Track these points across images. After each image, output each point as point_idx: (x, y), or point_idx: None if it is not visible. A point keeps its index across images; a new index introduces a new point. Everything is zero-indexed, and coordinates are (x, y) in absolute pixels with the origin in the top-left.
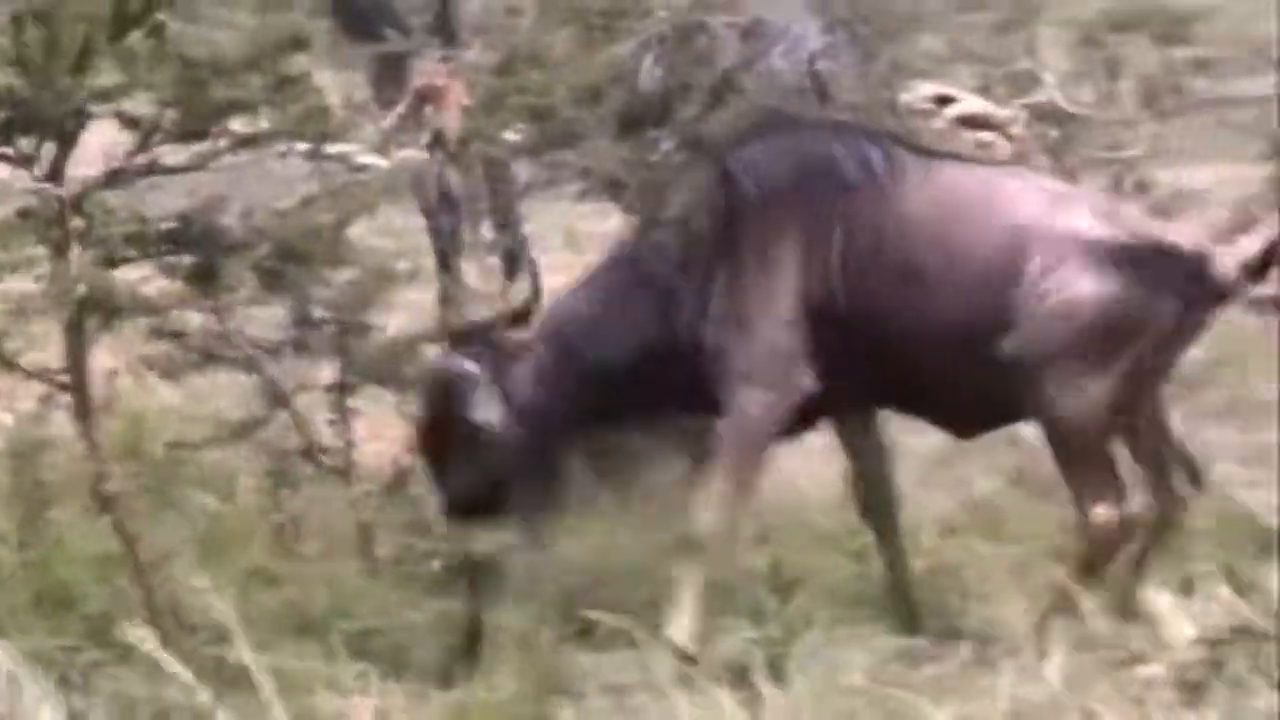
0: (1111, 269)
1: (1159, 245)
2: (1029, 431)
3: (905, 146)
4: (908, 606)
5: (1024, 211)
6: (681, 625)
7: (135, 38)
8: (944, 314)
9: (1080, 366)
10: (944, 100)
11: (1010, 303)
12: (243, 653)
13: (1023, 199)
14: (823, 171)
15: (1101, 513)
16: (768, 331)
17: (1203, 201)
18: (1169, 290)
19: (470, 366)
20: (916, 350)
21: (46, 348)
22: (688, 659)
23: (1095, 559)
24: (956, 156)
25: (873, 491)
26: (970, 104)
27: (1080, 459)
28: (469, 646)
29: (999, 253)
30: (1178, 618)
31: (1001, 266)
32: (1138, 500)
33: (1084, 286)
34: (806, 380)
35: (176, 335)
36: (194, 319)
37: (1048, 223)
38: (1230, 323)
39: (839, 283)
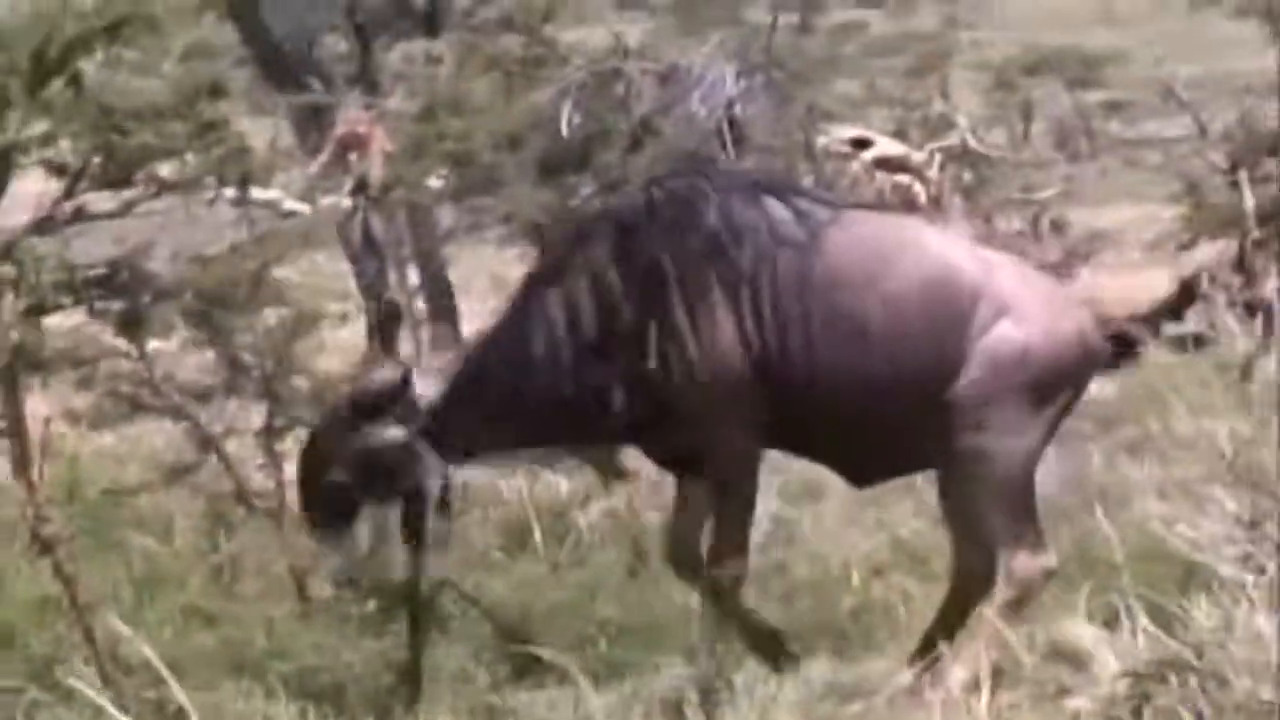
0: (1043, 329)
1: (1079, 314)
2: None
3: (811, 198)
4: (769, 644)
5: (960, 263)
6: (710, 662)
7: (55, 87)
8: (880, 363)
9: (1024, 413)
10: (860, 143)
11: (956, 350)
12: (178, 695)
13: (951, 251)
14: (743, 231)
15: (1026, 560)
16: (710, 372)
17: (1115, 242)
18: (1086, 357)
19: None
20: (845, 400)
21: None
22: (714, 696)
23: (1018, 604)
24: (858, 205)
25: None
26: (886, 147)
27: (1009, 506)
28: (406, 685)
29: (941, 302)
30: (1102, 651)
31: (946, 316)
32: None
33: (1032, 336)
34: (761, 413)
35: (104, 386)
36: (123, 367)
37: (981, 278)
38: (1151, 360)
39: (773, 338)
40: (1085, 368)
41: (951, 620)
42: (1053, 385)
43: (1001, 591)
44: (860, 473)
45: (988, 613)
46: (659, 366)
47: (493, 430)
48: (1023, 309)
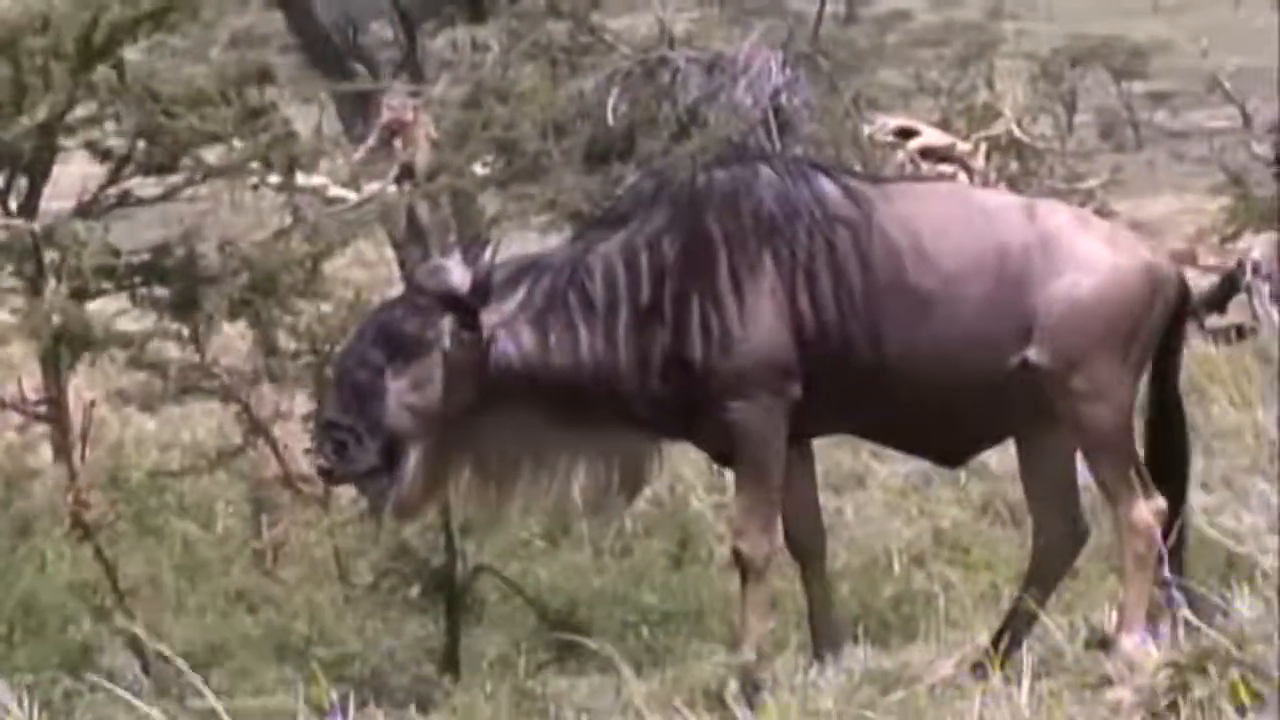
0: (1110, 268)
1: (1138, 248)
2: (994, 462)
3: (859, 177)
4: (829, 635)
5: (1009, 222)
6: (749, 648)
7: (100, 72)
8: (948, 333)
9: (1106, 365)
10: (906, 133)
11: (1021, 313)
12: (225, 677)
13: (1000, 211)
14: (796, 206)
15: (1141, 509)
16: (750, 348)
17: (1160, 232)
18: (1157, 286)
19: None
20: (917, 375)
21: (25, 378)
22: (756, 683)
23: (1146, 554)
24: (902, 179)
25: (802, 520)
26: (931, 136)
27: (1114, 458)
28: (446, 670)
29: (998, 265)
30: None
31: (1005, 278)
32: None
33: (1095, 286)
34: (794, 390)
35: (154, 366)
36: (171, 349)
37: (1037, 230)
38: (1193, 351)
39: (834, 317)
40: (1159, 296)
41: (1041, 590)
42: (1131, 323)
43: (1129, 545)
44: (947, 450)
45: (1128, 569)
46: (700, 339)
47: (533, 375)
48: (1084, 255)
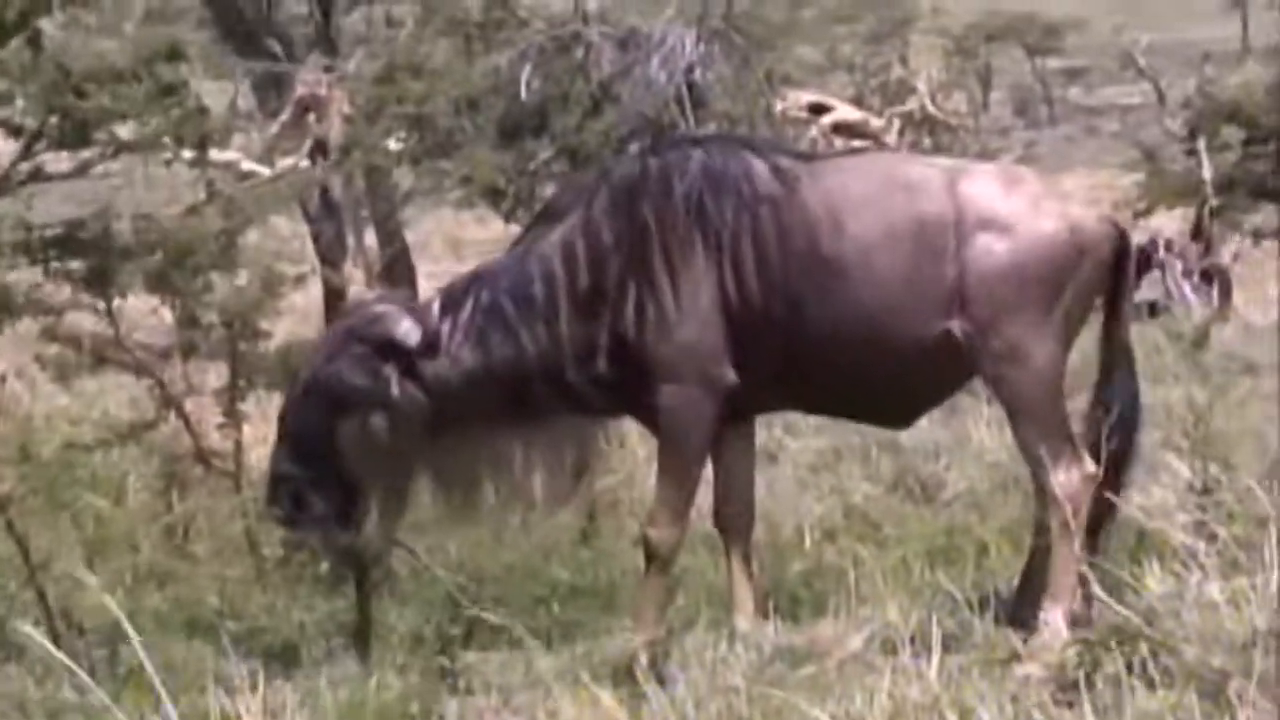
0: (1027, 230)
1: (1065, 209)
2: (905, 438)
3: (785, 153)
4: (746, 610)
5: (930, 192)
6: (645, 632)
7: (13, 46)
8: (869, 303)
9: (1024, 327)
10: (819, 109)
11: (941, 280)
12: (137, 651)
13: (924, 178)
14: (724, 186)
15: (1065, 477)
16: (685, 330)
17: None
18: (1085, 247)
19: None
20: (843, 347)
21: None
22: (651, 661)
23: (1069, 523)
24: (830, 155)
25: (734, 498)
26: (844, 112)
27: (1036, 422)
28: (356, 645)
29: (920, 232)
30: (1054, 617)
31: (923, 247)
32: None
33: (1010, 249)
34: (729, 375)
35: (70, 340)
36: (84, 322)
37: (957, 197)
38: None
39: (758, 293)
40: (1087, 257)
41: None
42: (1052, 286)
43: (1053, 514)
44: (889, 417)
45: (1054, 539)
46: (634, 321)
47: (479, 387)
48: (1003, 219)
